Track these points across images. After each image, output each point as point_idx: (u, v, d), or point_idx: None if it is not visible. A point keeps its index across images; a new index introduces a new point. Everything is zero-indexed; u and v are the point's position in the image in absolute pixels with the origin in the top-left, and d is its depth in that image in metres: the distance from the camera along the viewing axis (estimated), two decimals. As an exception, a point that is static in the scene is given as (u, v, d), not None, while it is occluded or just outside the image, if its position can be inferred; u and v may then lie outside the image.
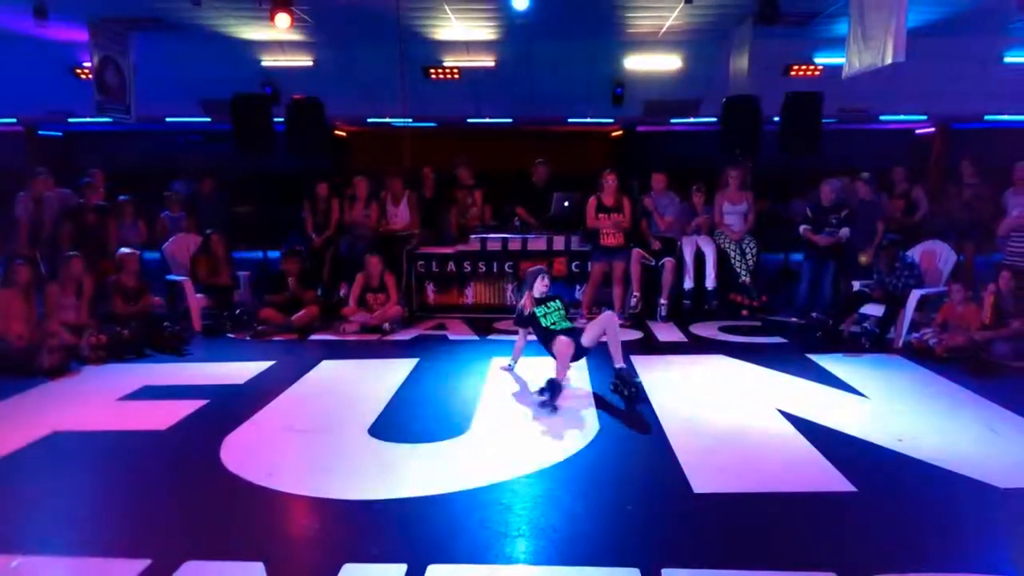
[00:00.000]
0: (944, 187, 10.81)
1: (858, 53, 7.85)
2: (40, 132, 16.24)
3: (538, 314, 6.51)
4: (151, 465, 4.81)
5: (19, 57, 12.34)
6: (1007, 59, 12.56)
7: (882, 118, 14.73)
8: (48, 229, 8.99)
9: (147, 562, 3.46)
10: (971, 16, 10.59)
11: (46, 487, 4.45)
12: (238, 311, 8.80)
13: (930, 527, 3.90)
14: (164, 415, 5.61)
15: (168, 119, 14.95)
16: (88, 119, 13.62)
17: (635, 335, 8.40)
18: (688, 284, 9.28)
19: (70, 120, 14.90)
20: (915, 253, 8.45)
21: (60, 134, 16.58)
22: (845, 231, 8.85)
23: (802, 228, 9.13)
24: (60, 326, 7.13)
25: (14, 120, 15.60)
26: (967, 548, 3.73)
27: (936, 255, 8.46)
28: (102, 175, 9.61)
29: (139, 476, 4.65)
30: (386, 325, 8.48)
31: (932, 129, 15.78)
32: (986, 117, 14.45)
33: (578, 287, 9.54)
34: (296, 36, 11.97)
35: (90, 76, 11.01)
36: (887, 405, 5.91)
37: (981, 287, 7.60)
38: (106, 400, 6.07)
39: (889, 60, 7.13)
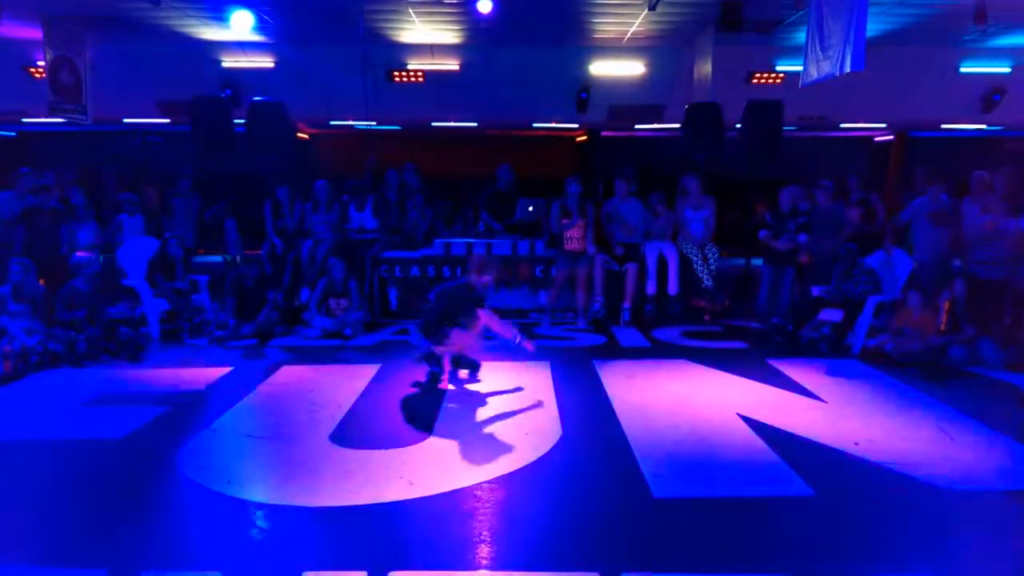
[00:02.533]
0: (901, 194, 11.01)
1: (816, 62, 7.95)
2: (-7, 132, 15.85)
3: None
4: (107, 473, 4.71)
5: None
6: (963, 69, 12.85)
7: (842, 126, 14.97)
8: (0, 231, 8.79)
9: (102, 572, 3.40)
10: (929, 27, 10.81)
11: (-4, 497, 4.35)
12: (197, 318, 8.68)
13: (886, 529, 3.96)
14: (121, 422, 5.51)
15: (125, 120, 14.68)
16: (42, 119, 13.32)
17: (599, 340, 8.44)
18: (651, 289, 9.34)
19: (24, 120, 14.56)
20: (873, 260, 8.59)
21: (14, 134, 16.19)
22: (803, 237, 8.98)
23: (761, 234, 9.24)
24: (16, 331, 6.97)
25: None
26: (922, 550, 3.80)
27: (893, 262, 8.60)
28: (55, 176, 9.44)
29: (95, 484, 4.55)
30: (348, 330, 8.42)
31: (891, 137, 16.06)
32: (943, 126, 14.75)
33: (542, 292, 9.55)
34: (257, 37, 11.83)
35: (44, 75, 10.77)
36: (844, 409, 5.99)
37: (937, 294, 7.74)
38: (60, 407, 5.94)
39: (848, 69, 7.22)
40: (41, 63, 11.17)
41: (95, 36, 11.20)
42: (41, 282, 7.55)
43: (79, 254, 8.15)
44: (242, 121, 10.54)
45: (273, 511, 4.11)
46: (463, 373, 6.82)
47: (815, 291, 8.57)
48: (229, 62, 12.84)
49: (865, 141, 16.52)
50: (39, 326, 7.31)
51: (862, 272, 8.17)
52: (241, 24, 9.64)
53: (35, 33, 10.73)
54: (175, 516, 4.12)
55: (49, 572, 3.47)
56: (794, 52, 11.22)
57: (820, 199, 9.30)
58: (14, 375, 6.67)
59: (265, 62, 12.89)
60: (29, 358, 6.92)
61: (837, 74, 7.44)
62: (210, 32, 11.73)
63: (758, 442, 5.16)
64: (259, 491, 4.34)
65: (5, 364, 6.67)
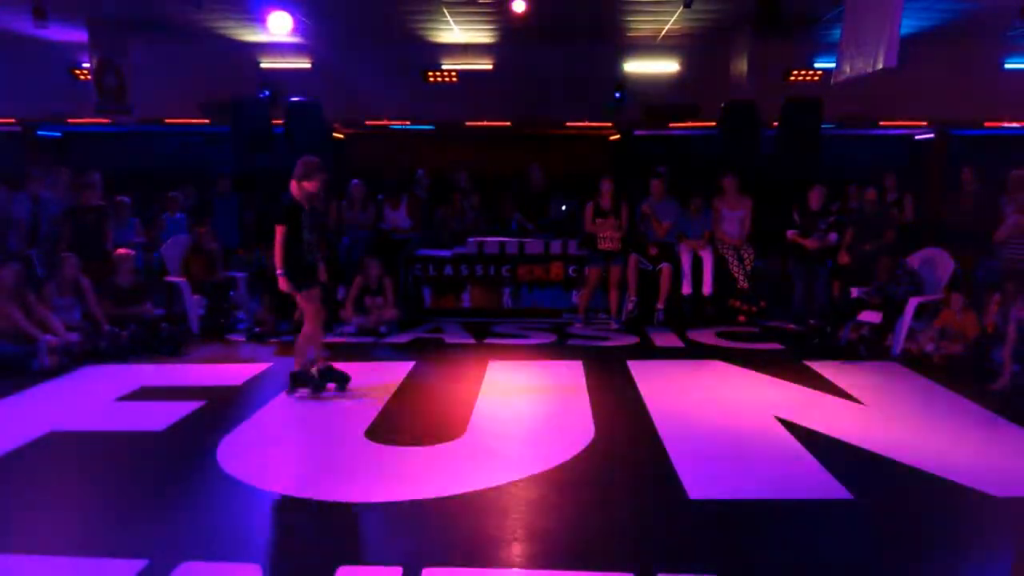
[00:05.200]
0: (943, 194, 10.81)
1: (850, 59, 7.82)
2: (39, 133, 16.22)
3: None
4: (148, 466, 4.81)
5: (18, 57, 12.34)
6: (1007, 66, 12.59)
7: (882, 123, 14.75)
8: (45, 229, 8.97)
9: (144, 563, 3.46)
10: (971, 22, 10.61)
11: (43, 487, 4.45)
12: (236, 314, 8.81)
13: (927, 535, 3.90)
14: (161, 416, 5.60)
15: (167, 120, 14.97)
16: (87, 120, 13.62)
17: (632, 340, 8.41)
18: (686, 289, 9.27)
19: (69, 121, 14.89)
20: (914, 260, 8.44)
21: (59, 135, 16.56)
22: (833, 236, 8.86)
23: (790, 233, 9.12)
24: (60, 327, 7.12)
25: (13, 121, 15.59)
26: (964, 556, 3.74)
27: (935, 262, 8.45)
28: (99, 176, 9.61)
29: (136, 477, 4.65)
30: (383, 328, 8.49)
31: (932, 135, 15.79)
32: (986, 124, 14.47)
33: (575, 292, 9.54)
34: (295, 39, 11.98)
35: (89, 77, 11.01)
36: (883, 412, 5.90)
37: (983, 295, 7.58)
38: (103, 400, 6.07)
39: (881, 66, 7.09)
40: (86, 65, 11.41)
41: (138, 39, 11.42)
42: (86, 278, 7.71)
43: (120, 251, 8.31)
44: (280, 121, 10.68)
45: (309, 506, 4.15)
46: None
47: (854, 292, 8.45)
48: (268, 63, 13.02)
49: (905, 139, 16.26)
50: (84, 321, 7.48)
51: (904, 272, 8.04)
52: (279, 26, 9.76)
53: (80, 36, 10.98)
54: (214, 508, 4.19)
55: (93, 561, 3.54)
56: (833, 49, 11.05)
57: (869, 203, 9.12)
58: (59, 369, 6.82)
59: (302, 63, 13.05)
60: (74, 352, 7.08)
61: (870, 71, 7.32)
62: (249, 34, 11.90)
63: (795, 445, 5.09)
64: (295, 485, 4.39)
65: (51, 358, 6.82)
